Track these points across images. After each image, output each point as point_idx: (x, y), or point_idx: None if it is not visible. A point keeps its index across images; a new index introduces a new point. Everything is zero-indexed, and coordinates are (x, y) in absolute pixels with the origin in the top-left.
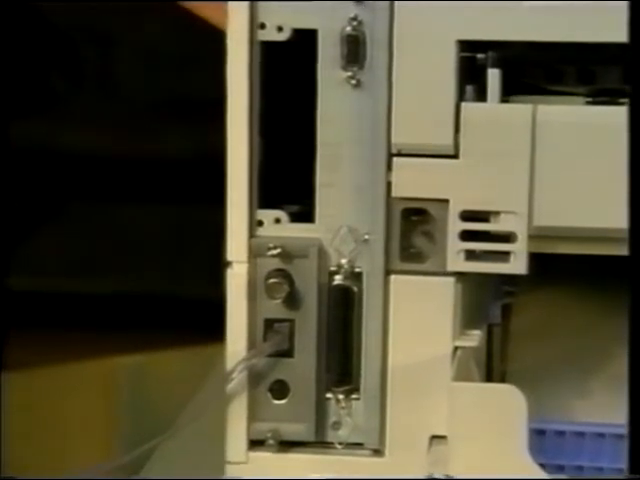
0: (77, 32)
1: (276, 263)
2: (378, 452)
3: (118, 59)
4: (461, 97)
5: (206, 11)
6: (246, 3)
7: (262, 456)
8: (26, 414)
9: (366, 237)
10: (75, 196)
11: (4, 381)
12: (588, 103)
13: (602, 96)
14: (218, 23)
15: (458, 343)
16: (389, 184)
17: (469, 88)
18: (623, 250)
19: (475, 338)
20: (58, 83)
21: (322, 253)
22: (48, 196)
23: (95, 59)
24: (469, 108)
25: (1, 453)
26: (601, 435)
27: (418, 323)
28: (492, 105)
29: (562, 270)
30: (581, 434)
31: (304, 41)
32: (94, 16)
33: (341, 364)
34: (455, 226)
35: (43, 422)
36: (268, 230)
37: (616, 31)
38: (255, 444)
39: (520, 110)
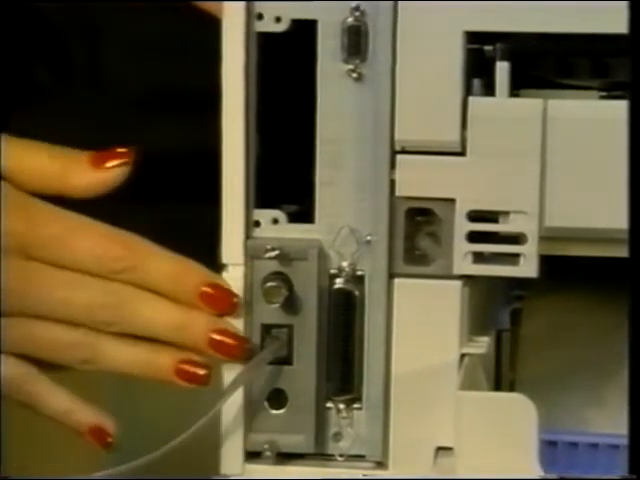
0: (64, 22)
1: (274, 266)
2: (381, 464)
3: (108, 51)
4: (468, 91)
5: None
6: None
7: (259, 468)
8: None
9: (368, 238)
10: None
11: None
12: (602, 97)
13: (616, 90)
14: (214, 12)
15: (465, 350)
16: (392, 183)
17: (476, 82)
18: None
19: (483, 345)
20: (44, 76)
21: (322, 255)
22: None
23: (83, 51)
24: (477, 103)
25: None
26: (615, 446)
27: (423, 329)
28: (501, 100)
29: (574, 273)
30: (595, 445)
31: (303, 32)
32: (82, 6)
33: (342, 372)
34: (462, 227)
35: (32, 425)
36: (265, 231)
37: None
38: (252, 456)
39: (530, 105)
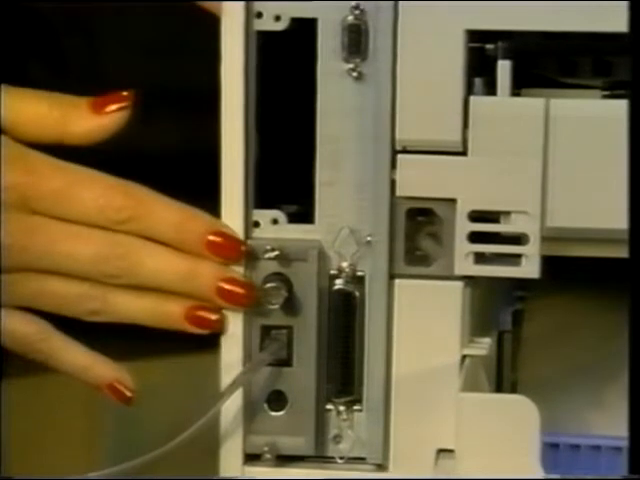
0: (61, 20)
1: (273, 267)
2: (381, 467)
3: (105, 49)
4: (470, 90)
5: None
6: None
7: (258, 471)
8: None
9: (369, 239)
10: None
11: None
12: (604, 96)
13: (619, 89)
14: (214, 10)
15: (466, 351)
16: (393, 182)
17: (478, 81)
18: None
19: (484, 346)
20: (38, 73)
21: (322, 256)
22: None
23: (80, 49)
24: (478, 102)
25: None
26: (617, 449)
27: (424, 330)
28: (502, 99)
29: (576, 274)
30: (597, 448)
31: (303, 31)
32: (78, 2)
33: (342, 374)
34: (463, 227)
35: (32, 425)
36: (265, 231)
37: None
38: (251, 458)
39: (532, 104)
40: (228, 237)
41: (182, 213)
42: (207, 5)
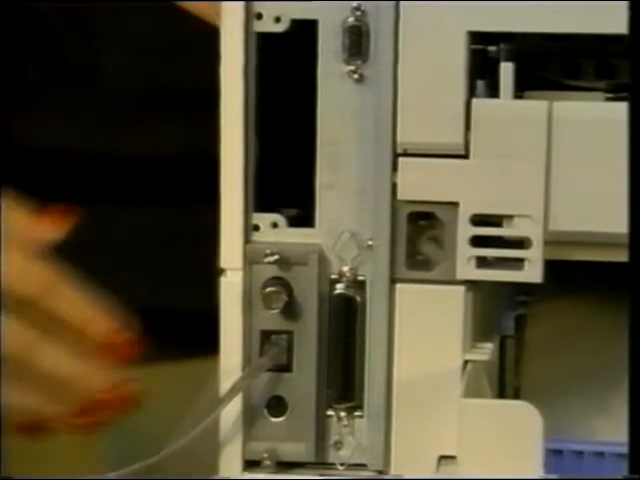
0: (58, 19)
1: (273, 271)
2: (382, 473)
3: (105, 51)
4: (472, 93)
5: (197, 7)
6: None
7: (258, 478)
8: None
9: (370, 243)
10: (55, 198)
11: None
12: (608, 99)
13: (622, 91)
14: (210, 19)
15: (468, 357)
16: (394, 186)
17: (480, 83)
18: None
19: (487, 351)
20: (37, 75)
21: (322, 260)
22: (27, 198)
23: (80, 51)
24: (480, 105)
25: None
26: (621, 455)
27: (425, 335)
28: (505, 101)
29: (580, 278)
30: (601, 454)
31: (303, 32)
32: (79, 5)
33: (343, 379)
34: (465, 231)
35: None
36: (265, 235)
37: None
38: (251, 465)
39: (535, 107)
40: (124, 340)
41: (87, 312)
42: (203, 12)
